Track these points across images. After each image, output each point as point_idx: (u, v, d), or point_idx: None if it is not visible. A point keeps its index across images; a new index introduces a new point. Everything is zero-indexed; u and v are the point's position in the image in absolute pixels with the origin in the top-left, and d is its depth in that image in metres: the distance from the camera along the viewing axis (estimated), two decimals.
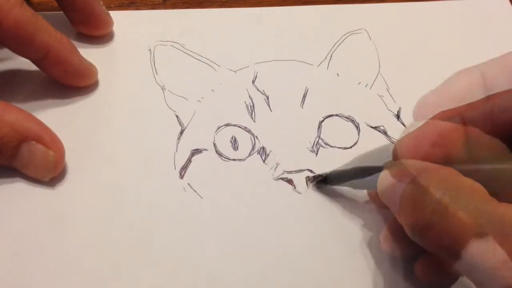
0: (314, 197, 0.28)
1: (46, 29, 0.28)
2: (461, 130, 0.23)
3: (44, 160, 0.27)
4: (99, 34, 0.33)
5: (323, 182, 0.28)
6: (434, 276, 0.24)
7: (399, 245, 0.25)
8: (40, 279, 0.25)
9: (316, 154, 0.29)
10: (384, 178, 0.22)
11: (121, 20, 0.33)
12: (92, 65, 0.31)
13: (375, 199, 0.26)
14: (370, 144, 0.29)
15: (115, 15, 0.33)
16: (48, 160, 0.27)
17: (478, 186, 0.19)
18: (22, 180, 0.27)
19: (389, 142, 0.29)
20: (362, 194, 0.28)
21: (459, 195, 0.19)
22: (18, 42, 0.28)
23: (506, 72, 0.23)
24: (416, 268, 0.25)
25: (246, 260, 0.26)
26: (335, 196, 0.28)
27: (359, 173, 0.26)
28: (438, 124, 0.23)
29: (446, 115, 0.23)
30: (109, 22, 0.33)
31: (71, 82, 0.30)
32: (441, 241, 0.19)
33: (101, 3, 0.32)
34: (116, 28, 0.33)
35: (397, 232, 0.25)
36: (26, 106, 0.29)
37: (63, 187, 0.27)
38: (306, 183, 0.28)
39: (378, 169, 0.25)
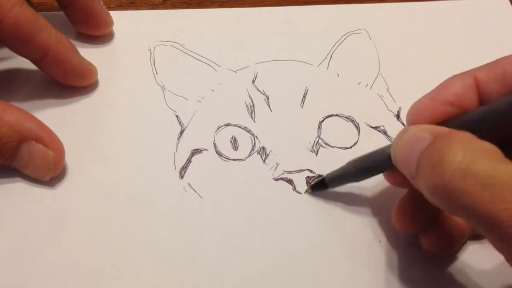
0: (314, 197, 0.28)
1: (46, 29, 0.28)
2: (476, 90, 0.23)
3: (44, 160, 0.27)
4: (99, 34, 0.33)
5: (321, 186, 0.28)
6: (442, 246, 0.25)
7: (410, 221, 0.25)
8: (40, 279, 0.25)
9: (316, 154, 0.29)
10: (400, 143, 0.23)
11: (121, 20, 0.33)
12: (92, 65, 0.31)
13: (389, 177, 0.26)
14: (370, 144, 0.29)
15: (115, 15, 0.33)
16: (48, 160, 0.27)
17: (495, 149, 0.20)
18: (22, 180, 0.27)
19: (389, 142, 0.30)
20: (361, 194, 0.28)
21: (479, 157, 0.19)
22: (18, 41, 0.28)
23: (499, 77, 0.23)
24: (423, 240, 0.25)
25: (246, 260, 0.26)
26: (335, 196, 0.28)
27: (358, 175, 0.26)
28: (453, 84, 0.23)
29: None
30: (109, 22, 0.33)
31: (70, 82, 0.30)
32: (463, 200, 0.19)
33: (101, 3, 0.32)
34: (116, 28, 0.33)
35: (408, 209, 0.25)
36: (26, 106, 0.29)
37: (63, 187, 0.27)
38: (306, 184, 0.28)
39: (377, 170, 0.26)
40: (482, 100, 0.23)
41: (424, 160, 0.21)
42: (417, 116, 0.24)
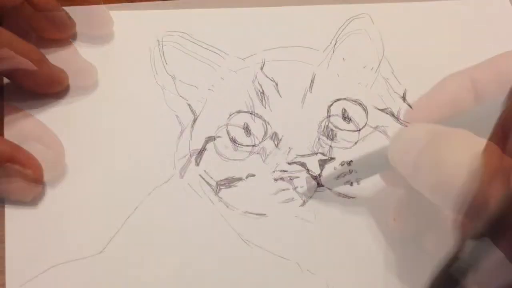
0: (315, 197, 0.28)
1: (12, 44, 0.27)
2: (472, 90, 0.23)
3: (23, 180, 0.25)
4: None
5: (319, 188, 0.28)
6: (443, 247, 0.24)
7: (407, 222, 0.25)
8: (40, 279, 0.24)
9: (327, 137, 0.29)
10: (397, 144, 0.22)
11: (121, 20, 0.33)
12: (62, 71, 0.29)
13: (386, 177, 0.26)
14: (378, 126, 0.30)
15: (115, 15, 0.33)
16: (26, 180, 0.25)
17: (494, 146, 0.19)
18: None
19: (396, 123, 0.30)
20: (362, 194, 0.28)
21: (478, 154, 0.19)
22: None
23: (496, 76, 0.23)
24: (426, 241, 0.25)
25: (247, 259, 0.26)
26: (334, 196, 0.28)
27: (356, 176, 0.26)
28: (452, 84, 0.24)
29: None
30: (109, 22, 0.32)
31: (42, 91, 0.29)
32: (465, 198, 0.18)
33: (101, 2, 0.32)
34: (116, 28, 0.33)
35: (405, 210, 0.25)
36: (25, 106, 0.28)
37: (63, 187, 0.27)
38: (319, 166, 0.28)
39: (375, 170, 0.26)
40: (478, 99, 0.24)
41: (422, 159, 0.21)
42: (414, 116, 0.24)
